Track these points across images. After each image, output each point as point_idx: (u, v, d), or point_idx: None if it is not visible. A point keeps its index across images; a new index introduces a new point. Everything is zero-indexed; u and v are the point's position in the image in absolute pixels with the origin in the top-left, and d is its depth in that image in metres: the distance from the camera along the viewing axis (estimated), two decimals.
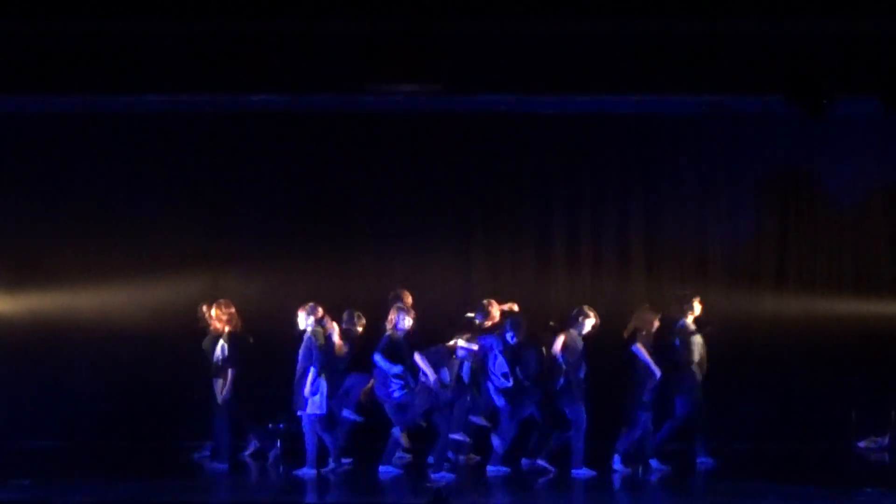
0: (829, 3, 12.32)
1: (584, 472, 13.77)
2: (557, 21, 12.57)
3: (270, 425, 15.34)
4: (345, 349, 14.12)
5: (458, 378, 13.63)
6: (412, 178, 16.24)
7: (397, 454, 14.18)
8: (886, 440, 15.79)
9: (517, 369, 13.77)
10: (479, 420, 13.92)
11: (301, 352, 13.75)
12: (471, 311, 14.38)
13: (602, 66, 13.17)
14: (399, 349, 13.65)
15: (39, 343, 15.92)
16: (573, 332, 13.79)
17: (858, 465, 15.22)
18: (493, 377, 13.79)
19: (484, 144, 16.16)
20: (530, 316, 14.38)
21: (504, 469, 13.85)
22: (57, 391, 15.97)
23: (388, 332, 13.70)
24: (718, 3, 12.42)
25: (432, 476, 13.35)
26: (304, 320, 13.78)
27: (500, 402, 13.79)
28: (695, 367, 14.31)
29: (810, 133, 15.67)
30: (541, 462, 14.07)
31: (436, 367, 13.43)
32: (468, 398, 13.68)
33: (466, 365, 13.65)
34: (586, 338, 13.89)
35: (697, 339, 14.37)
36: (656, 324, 14.13)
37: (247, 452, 14.98)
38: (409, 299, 14.35)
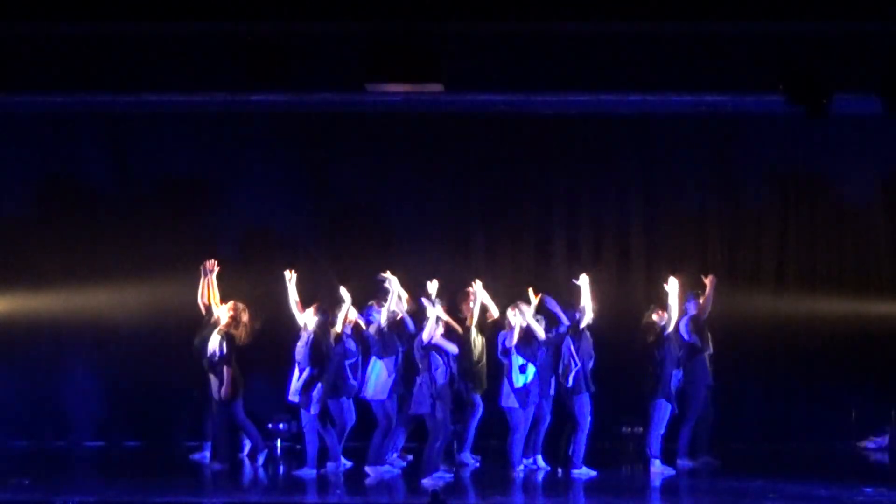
0: (829, 3, 12.31)
1: (584, 472, 13.76)
2: (557, 21, 12.56)
3: (270, 425, 15.35)
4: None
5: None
6: (412, 178, 16.25)
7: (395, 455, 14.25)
8: (886, 440, 15.80)
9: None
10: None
11: (303, 350, 13.73)
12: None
13: (602, 66, 13.16)
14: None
15: (39, 343, 15.92)
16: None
17: (858, 465, 15.22)
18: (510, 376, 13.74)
19: (484, 144, 16.17)
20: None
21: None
22: (57, 391, 15.98)
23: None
24: (718, 3, 12.41)
25: (423, 480, 13.32)
26: (312, 319, 13.74)
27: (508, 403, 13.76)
28: (710, 349, 14.34)
29: (810, 132, 15.68)
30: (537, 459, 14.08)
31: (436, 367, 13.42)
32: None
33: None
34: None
35: (707, 334, 14.40)
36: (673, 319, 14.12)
37: (245, 452, 14.97)
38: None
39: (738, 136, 16.05)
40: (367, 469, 13.71)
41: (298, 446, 14.31)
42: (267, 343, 14.91)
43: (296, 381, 13.64)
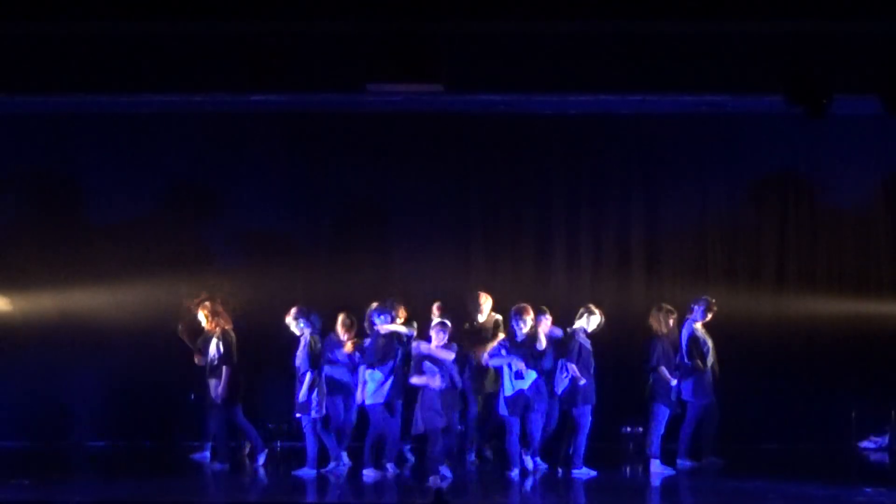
0: (829, 3, 12.30)
1: (584, 472, 13.76)
2: (557, 21, 12.56)
3: (270, 425, 15.34)
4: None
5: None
6: (412, 178, 16.24)
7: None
8: (886, 440, 15.80)
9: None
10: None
11: (297, 354, 13.74)
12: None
13: (602, 66, 13.16)
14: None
15: (39, 343, 15.92)
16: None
17: (858, 465, 15.22)
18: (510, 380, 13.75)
19: (484, 144, 16.17)
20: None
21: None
22: (57, 391, 15.97)
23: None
24: (718, 3, 12.40)
25: (430, 479, 13.32)
26: (296, 324, 13.75)
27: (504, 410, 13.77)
28: (709, 369, 14.36)
29: (810, 133, 15.67)
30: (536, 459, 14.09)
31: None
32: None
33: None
34: (591, 336, 13.89)
35: (709, 343, 14.41)
36: (671, 324, 14.13)
37: (245, 452, 14.97)
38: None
39: (738, 136, 16.04)
40: (365, 472, 13.74)
41: (300, 444, 14.31)
42: (266, 344, 14.93)
43: (305, 391, 13.63)
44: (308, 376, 13.59)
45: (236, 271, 15.91)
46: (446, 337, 13.38)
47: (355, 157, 16.20)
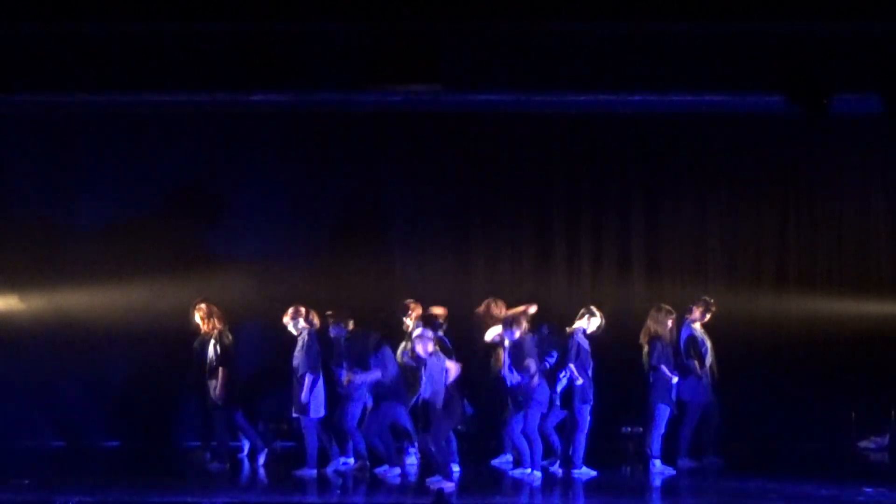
0: (829, 3, 12.30)
1: (584, 472, 13.76)
2: (557, 21, 12.55)
3: (260, 425, 15.29)
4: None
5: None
6: (412, 178, 16.24)
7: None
8: (886, 440, 15.80)
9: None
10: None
11: (296, 355, 13.73)
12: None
13: (602, 66, 13.16)
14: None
15: (39, 343, 15.90)
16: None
17: (858, 465, 15.22)
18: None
19: (484, 144, 16.17)
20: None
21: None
22: (56, 391, 15.97)
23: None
24: (718, 3, 12.40)
25: (430, 480, 13.32)
26: (293, 325, 13.74)
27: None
28: (707, 370, 14.36)
29: (810, 133, 15.67)
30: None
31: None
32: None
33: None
34: (592, 337, 13.88)
35: (708, 343, 14.41)
36: (670, 324, 14.13)
37: (244, 453, 14.97)
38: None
39: (738, 136, 16.04)
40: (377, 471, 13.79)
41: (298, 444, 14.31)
42: (265, 344, 14.93)
43: (306, 392, 13.62)
44: (308, 377, 13.58)
45: (236, 271, 15.90)
46: (430, 344, 13.26)
47: (355, 156, 16.19)
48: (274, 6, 12.34)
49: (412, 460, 14.37)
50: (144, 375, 15.87)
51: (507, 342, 13.52)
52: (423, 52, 12.39)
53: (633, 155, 16.26)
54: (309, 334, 13.67)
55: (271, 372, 15.15)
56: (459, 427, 14.01)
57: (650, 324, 14.16)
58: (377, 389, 13.83)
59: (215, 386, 14.24)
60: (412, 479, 13.88)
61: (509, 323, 13.58)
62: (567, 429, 13.97)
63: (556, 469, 13.98)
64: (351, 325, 14.03)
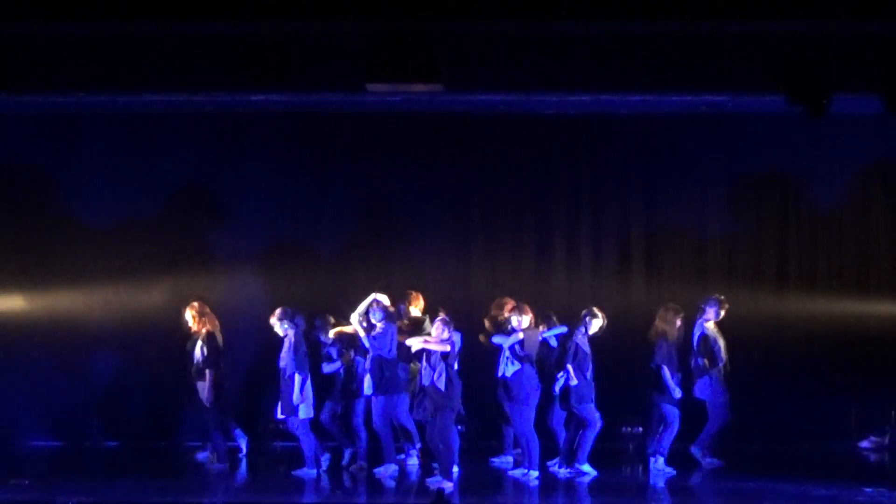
0: (829, 3, 12.30)
1: (585, 470, 13.75)
2: (557, 21, 12.55)
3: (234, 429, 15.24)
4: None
5: None
6: (412, 178, 16.25)
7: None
8: (886, 440, 15.80)
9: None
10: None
11: (282, 356, 13.73)
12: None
13: (602, 66, 13.15)
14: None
15: (39, 343, 15.92)
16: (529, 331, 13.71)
17: (858, 465, 15.22)
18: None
19: (484, 144, 16.18)
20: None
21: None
22: (56, 391, 15.97)
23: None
24: (718, 3, 12.40)
25: (430, 480, 13.32)
26: (280, 325, 13.75)
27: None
28: (721, 368, 14.38)
29: (810, 133, 15.67)
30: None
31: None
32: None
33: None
34: (593, 338, 13.87)
35: (721, 342, 14.41)
36: (679, 324, 14.12)
37: (243, 453, 14.97)
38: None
39: (738, 136, 16.04)
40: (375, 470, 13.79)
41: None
42: (264, 344, 14.94)
43: (297, 395, 13.62)
44: (297, 378, 13.59)
45: (235, 271, 15.91)
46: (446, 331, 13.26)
47: (354, 157, 16.20)
48: (274, 6, 12.33)
49: (413, 461, 14.35)
50: (145, 375, 15.87)
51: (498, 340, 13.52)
52: (423, 52, 12.39)
53: (633, 155, 16.26)
54: (295, 335, 13.67)
55: (273, 372, 15.12)
56: (460, 425, 14.04)
57: (658, 323, 14.14)
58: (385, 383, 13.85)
59: (203, 387, 14.24)
60: (412, 478, 13.88)
61: (515, 310, 13.56)
62: (571, 427, 13.94)
63: (556, 469, 13.97)
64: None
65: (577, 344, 13.73)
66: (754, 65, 13.03)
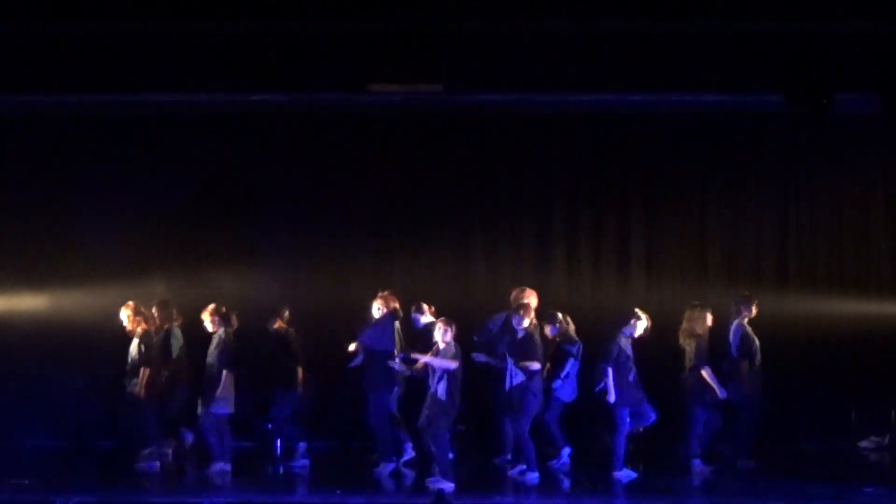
0: (829, 3, 12.31)
1: (625, 474, 13.72)
2: (557, 21, 12.56)
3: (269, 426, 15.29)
4: None
5: None
6: (412, 178, 16.25)
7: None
8: (886, 440, 15.80)
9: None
10: None
11: (211, 352, 13.86)
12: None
13: (602, 66, 13.16)
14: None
15: (39, 343, 15.90)
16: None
17: (858, 465, 15.22)
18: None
19: (484, 144, 16.17)
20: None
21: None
22: (56, 391, 15.95)
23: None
24: (718, 3, 12.41)
25: (430, 480, 13.31)
26: (210, 321, 13.88)
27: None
28: (757, 369, 14.38)
29: (810, 133, 15.66)
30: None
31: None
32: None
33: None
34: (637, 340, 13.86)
35: (756, 342, 14.40)
36: (710, 320, 14.09)
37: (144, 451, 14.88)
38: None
39: (738, 136, 16.04)
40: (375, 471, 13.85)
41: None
42: (261, 345, 14.94)
43: (223, 388, 13.70)
44: (225, 374, 13.63)
45: (234, 271, 15.90)
46: (450, 334, 13.20)
47: (355, 156, 16.20)
48: (274, 6, 12.34)
49: (410, 456, 14.37)
50: None
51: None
52: (423, 52, 12.39)
53: (633, 155, 16.25)
54: (225, 332, 13.77)
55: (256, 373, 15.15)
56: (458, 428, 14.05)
57: (687, 324, 14.07)
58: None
59: (136, 383, 14.24)
60: (411, 478, 13.88)
61: (517, 309, 13.54)
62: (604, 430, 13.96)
63: (558, 465, 13.98)
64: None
65: (619, 346, 13.61)
66: (754, 65, 13.04)
